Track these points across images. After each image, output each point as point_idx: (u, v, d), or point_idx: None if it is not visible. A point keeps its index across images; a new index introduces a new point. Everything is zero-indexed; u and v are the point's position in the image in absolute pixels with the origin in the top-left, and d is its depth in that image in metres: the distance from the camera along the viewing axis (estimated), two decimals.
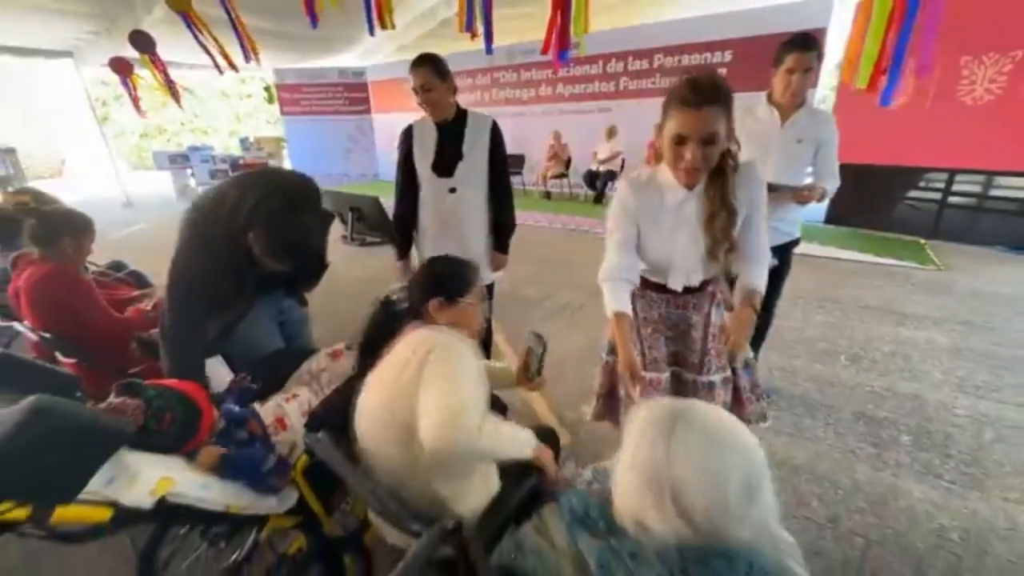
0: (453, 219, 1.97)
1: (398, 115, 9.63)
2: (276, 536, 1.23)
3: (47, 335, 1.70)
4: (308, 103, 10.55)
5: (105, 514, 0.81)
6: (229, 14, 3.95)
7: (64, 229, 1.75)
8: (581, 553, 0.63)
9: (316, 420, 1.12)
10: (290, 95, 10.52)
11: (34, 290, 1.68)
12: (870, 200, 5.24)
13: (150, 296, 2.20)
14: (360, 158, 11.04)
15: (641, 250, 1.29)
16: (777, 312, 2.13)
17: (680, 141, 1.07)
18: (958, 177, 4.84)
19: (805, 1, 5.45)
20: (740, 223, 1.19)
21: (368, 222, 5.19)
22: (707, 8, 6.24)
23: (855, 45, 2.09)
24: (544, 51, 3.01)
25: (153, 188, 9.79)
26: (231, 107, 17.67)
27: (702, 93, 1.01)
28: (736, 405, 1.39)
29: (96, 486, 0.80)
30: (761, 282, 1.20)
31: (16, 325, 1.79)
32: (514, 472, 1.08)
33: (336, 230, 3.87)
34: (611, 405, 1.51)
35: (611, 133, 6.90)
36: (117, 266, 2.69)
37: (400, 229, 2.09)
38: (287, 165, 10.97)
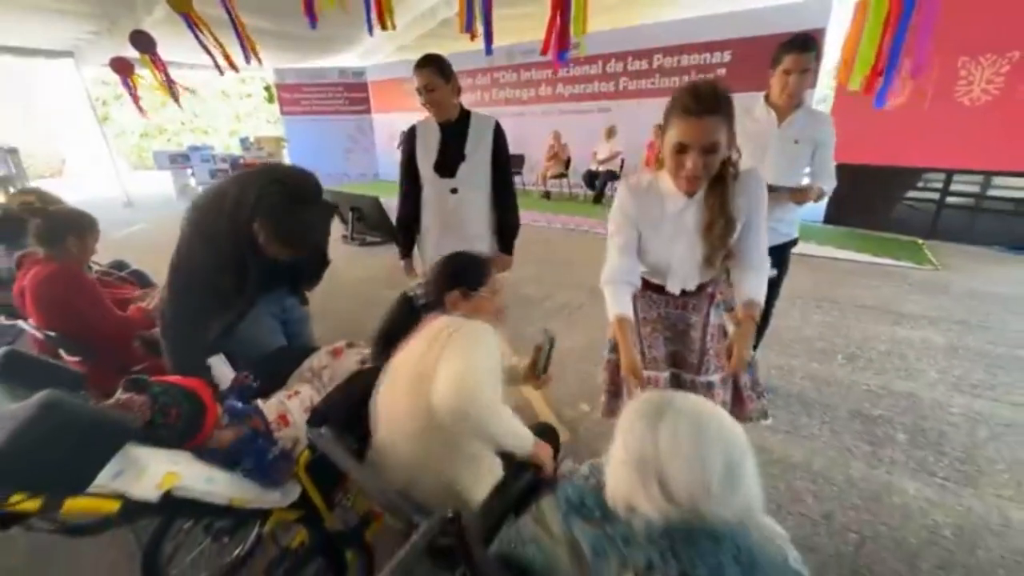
0: (455, 219, 1.98)
1: (398, 115, 9.66)
2: (279, 530, 1.25)
3: (52, 333, 1.72)
4: (308, 103, 10.55)
5: (113, 506, 0.83)
6: (229, 14, 3.97)
7: (69, 229, 1.77)
8: (576, 540, 0.65)
9: (318, 416, 1.13)
10: (290, 95, 10.52)
11: (39, 289, 1.70)
12: (868, 200, 5.26)
13: (152, 295, 2.21)
14: (360, 158, 11.04)
15: (641, 253, 1.30)
16: (775, 312, 2.15)
17: (681, 150, 1.08)
18: (956, 177, 4.87)
19: (804, 2, 5.46)
20: (739, 230, 1.20)
21: (368, 222, 5.20)
22: (707, 8, 6.25)
23: (851, 46, 2.10)
24: (544, 51, 3.01)
25: (153, 188, 9.80)
26: (231, 107, 17.66)
27: (704, 103, 1.02)
28: (737, 403, 1.40)
29: (105, 479, 0.82)
30: (760, 293, 1.21)
31: (21, 323, 1.82)
32: (513, 466, 1.10)
33: (336, 230, 3.89)
34: (618, 403, 1.52)
35: (610, 133, 6.91)
36: (119, 265, 2.70)
37: (403, 229, 2.10)
38: None
